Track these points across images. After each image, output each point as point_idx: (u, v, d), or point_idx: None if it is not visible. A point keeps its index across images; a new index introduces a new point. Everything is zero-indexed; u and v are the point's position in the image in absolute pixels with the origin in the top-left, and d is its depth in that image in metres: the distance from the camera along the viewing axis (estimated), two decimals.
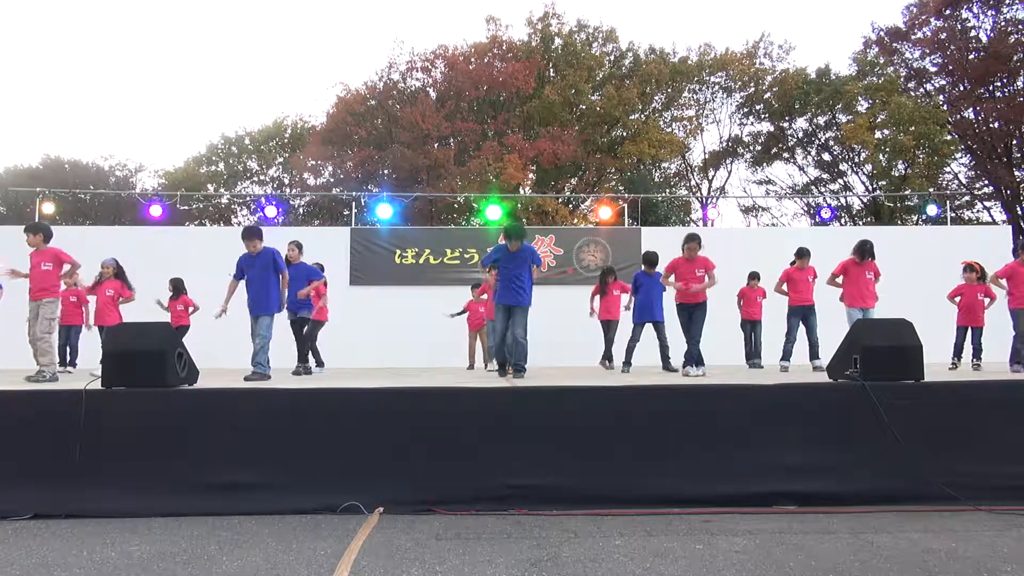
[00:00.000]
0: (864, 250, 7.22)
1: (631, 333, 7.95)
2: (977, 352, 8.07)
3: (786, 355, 7.88)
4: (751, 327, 9.62)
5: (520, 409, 4.26)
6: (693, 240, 7.10)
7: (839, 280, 7.37)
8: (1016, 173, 23.42)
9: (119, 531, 3.55)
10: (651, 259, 7.85)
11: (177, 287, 9.28)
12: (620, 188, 24.86)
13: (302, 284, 7.49)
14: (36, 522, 3.73)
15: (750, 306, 9.62)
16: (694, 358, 6.93)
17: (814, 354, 7.74)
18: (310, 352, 7.97)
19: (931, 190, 18.39)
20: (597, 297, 9.24)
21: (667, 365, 7.57)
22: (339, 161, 25.79)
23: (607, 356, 8.99)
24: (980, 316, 8.11)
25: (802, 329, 7.88)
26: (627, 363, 7.98)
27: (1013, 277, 7.20)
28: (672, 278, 7.16)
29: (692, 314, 7.05)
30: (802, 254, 7.99)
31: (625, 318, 8.55)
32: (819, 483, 4.02)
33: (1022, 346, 7.04)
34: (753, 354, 9.51)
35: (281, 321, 6.73)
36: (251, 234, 6.44)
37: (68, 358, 9.08)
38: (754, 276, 9.65)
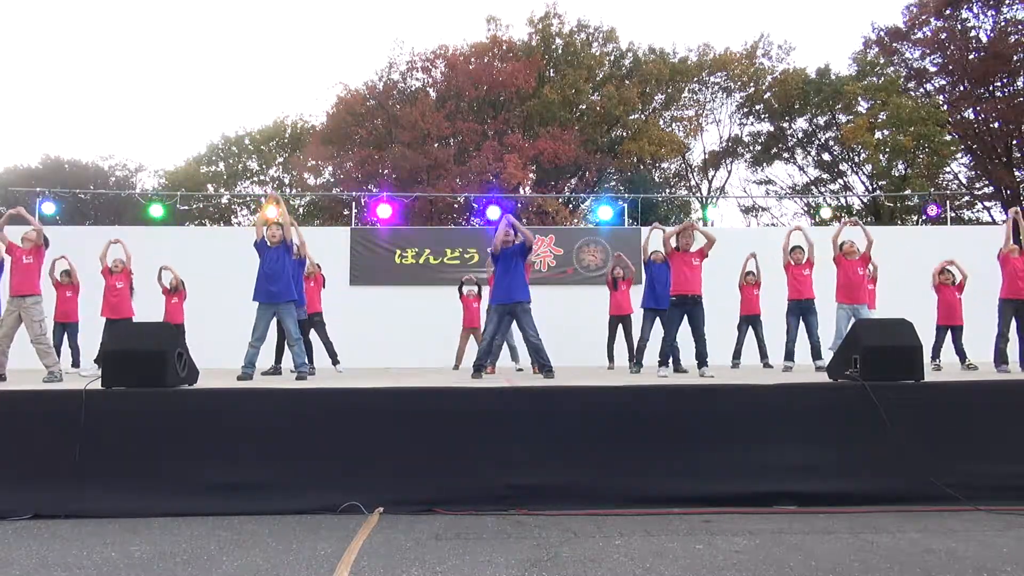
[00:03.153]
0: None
1: (641, 330, 7.92)
2: (962, 356, 8.08)
3: (788, 355, 7.82)
4: (749, 323, 9.45)
5: (520, 409, 4.26)
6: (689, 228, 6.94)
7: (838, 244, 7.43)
8: (1016, 173, 23.40)
9: (119, 531, 3.55)
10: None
11: (177, 285, 9.28)
12: (620, 188, 24.84)
13: None
14: (36, 522, 3.73)
15: (748, 300, 9.47)
16: (702, 357, 6.77)
17: (816, 354, 7.69)
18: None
19: (931, 190, 18.37)
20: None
21: (677, 366, 7.55)
22: (339, 161, 25.76)
23: (632, 359, 8.32)
24: (959, 315, 8.17)
25: (802, 328, 7.82)
26: (639, 362, 7.85)
27: (1004, 267, 7.22)
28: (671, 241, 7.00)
29: (691, 312, 6.77)
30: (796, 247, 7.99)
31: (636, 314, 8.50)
32: (819, 483, 4.02)
33: (1004, 344, 6.99)
34: (760, 354, 9.39)
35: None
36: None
37: (72, 359, 9.01)
38: (750, 273, 9.52)
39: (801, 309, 7.75)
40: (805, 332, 7.72)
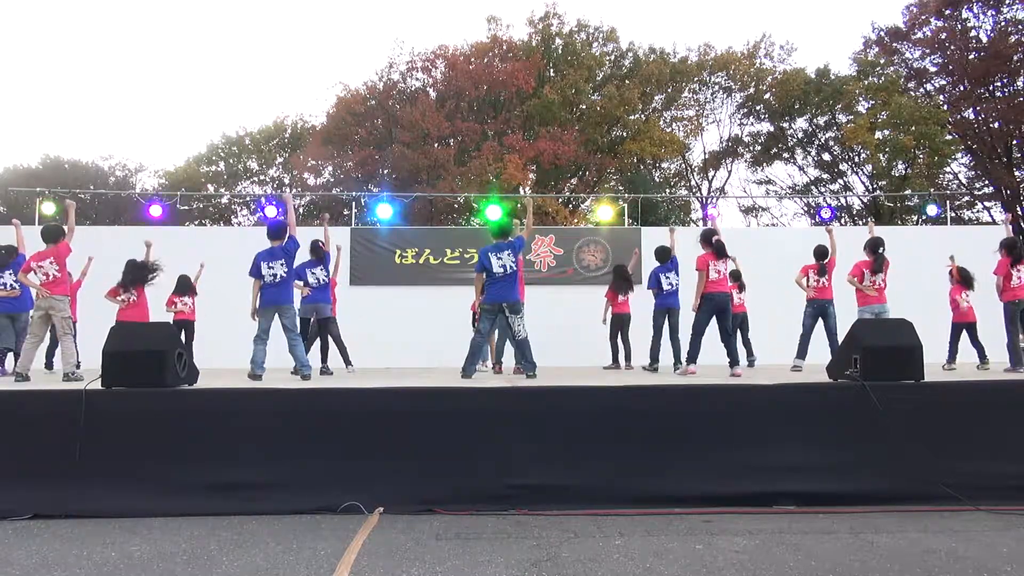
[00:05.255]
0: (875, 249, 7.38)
1: (653, 330, 7.92)
2: (981, 353, 8.09)
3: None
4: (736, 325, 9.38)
5: (520, 409, 4.26)
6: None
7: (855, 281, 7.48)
8: (1016, 173, 23.41)
9: (119, 531, 3.55)
10: (663, 254, 7.94)
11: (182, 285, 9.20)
12: (620, 188, 24.84)
13: None
14: (36, 522, 3.74)
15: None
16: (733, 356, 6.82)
17: (800, 354, 7.71)
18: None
19: (931, 190, 18.37)
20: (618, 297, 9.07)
21: (679, 362, 7.56)
22: (339, 161, 25.78)
23: (625, 357, 8.75)
24: (972, 312, 8.24)
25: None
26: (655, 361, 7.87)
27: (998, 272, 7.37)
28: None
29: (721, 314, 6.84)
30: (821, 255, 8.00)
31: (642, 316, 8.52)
32: (819, 483, 4.02)
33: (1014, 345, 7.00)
34: (747, 352, 9.34)
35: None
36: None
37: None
38: (736, 276, 9.22)
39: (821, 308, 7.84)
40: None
